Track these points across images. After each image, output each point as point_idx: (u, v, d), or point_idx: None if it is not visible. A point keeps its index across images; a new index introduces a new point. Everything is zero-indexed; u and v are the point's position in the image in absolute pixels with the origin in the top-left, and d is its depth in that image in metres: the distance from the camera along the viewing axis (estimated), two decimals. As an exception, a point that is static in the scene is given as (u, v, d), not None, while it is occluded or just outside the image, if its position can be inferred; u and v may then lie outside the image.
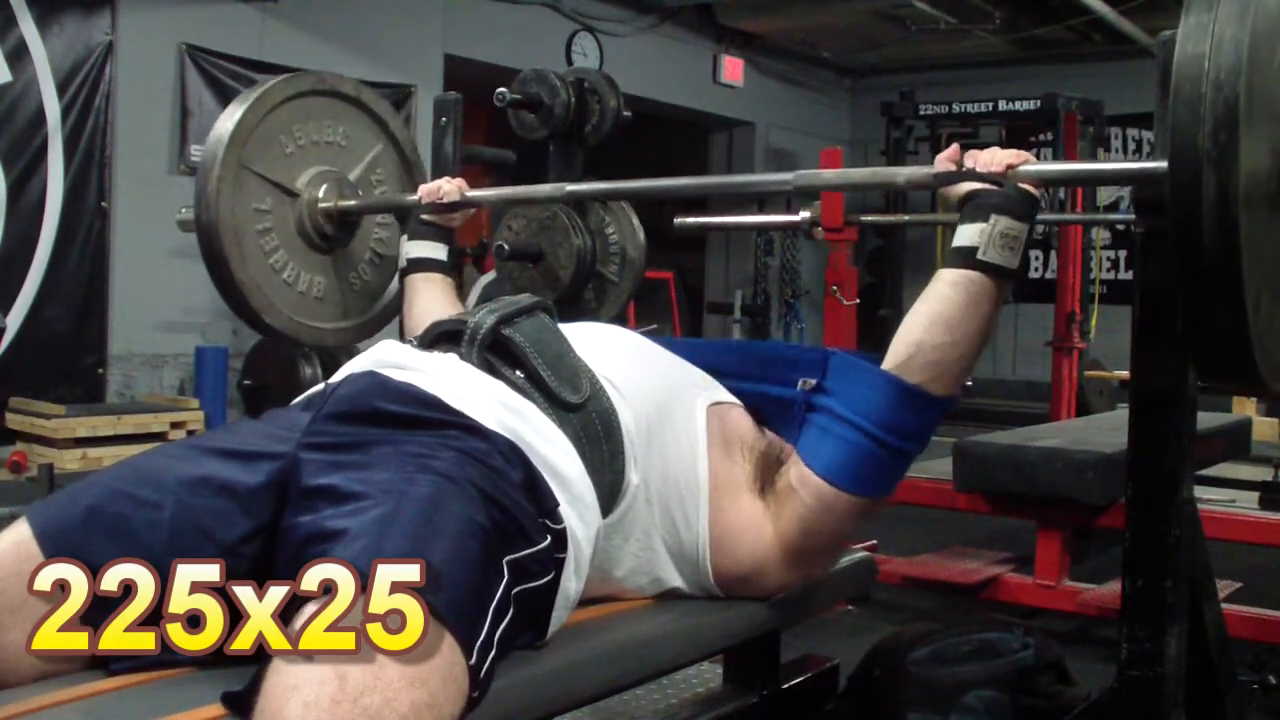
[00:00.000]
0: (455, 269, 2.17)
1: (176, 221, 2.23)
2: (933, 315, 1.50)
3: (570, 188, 2.15)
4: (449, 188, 2.12)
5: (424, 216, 2.12)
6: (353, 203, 2.33)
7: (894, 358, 1.50)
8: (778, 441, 1.60)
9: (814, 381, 1.56)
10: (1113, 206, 9.13)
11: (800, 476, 1.51)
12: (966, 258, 1.49)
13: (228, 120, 2.21)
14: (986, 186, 1.53)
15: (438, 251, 2.12)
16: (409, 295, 2.11)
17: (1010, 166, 1.53)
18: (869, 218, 4.33)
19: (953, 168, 1.58)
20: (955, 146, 1.60)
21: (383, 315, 2.50)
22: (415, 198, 2.15)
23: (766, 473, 1.57)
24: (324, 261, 2.36)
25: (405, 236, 2.15)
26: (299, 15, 6.82)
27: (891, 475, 1.56)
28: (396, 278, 2.19)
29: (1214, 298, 1.25)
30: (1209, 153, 1.21)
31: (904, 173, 1.70)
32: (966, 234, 1.50)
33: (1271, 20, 1.29)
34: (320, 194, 2.31)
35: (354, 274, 2.42)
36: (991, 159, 1.55)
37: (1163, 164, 1.30)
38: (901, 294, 9.00)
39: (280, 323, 2.26)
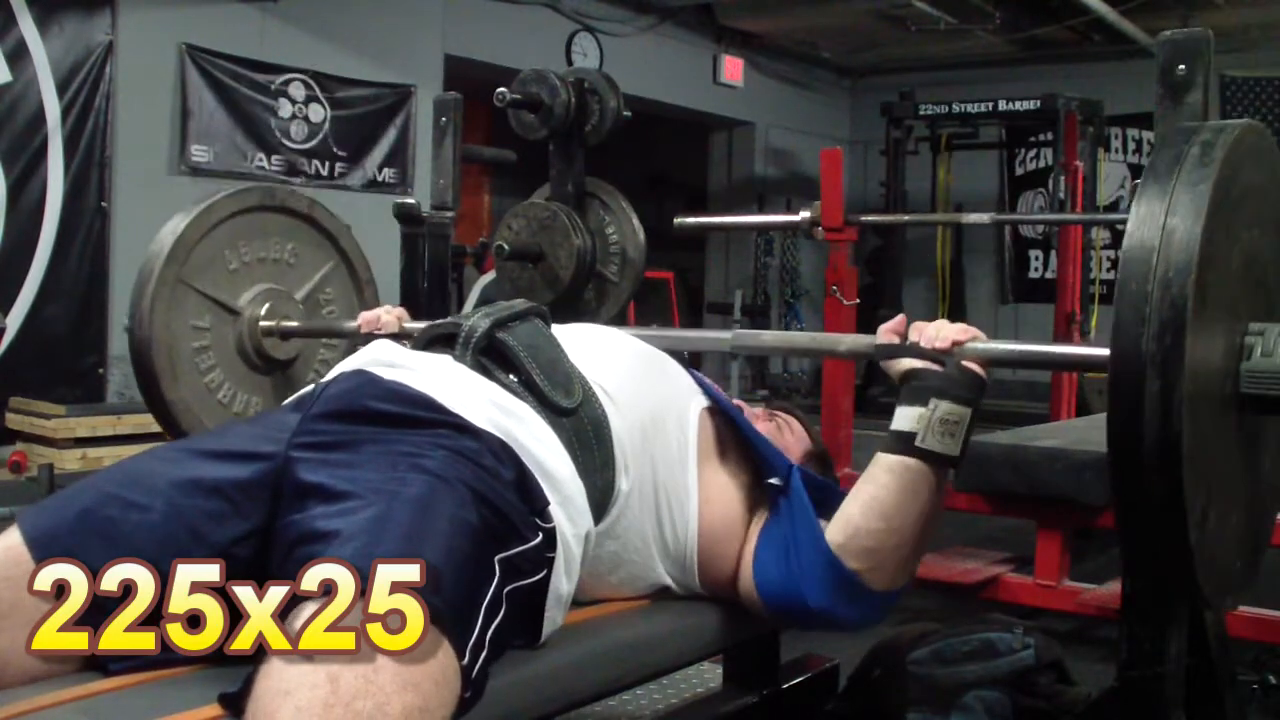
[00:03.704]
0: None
1: (124, 328, 2.15)
2: (868, 500, 1.44)
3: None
4: (388, 319, 2.04)
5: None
6: (294, 324, 2.26)
7: (835, 533, 1.45)
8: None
9: (780, 483, 1.52)
10: (1113, 206, 9.13)
11: (749, 558, 1.51)
12: (904, 444, 1.42)
13: (168, 234, 2.13)
14: (929, 365, 1.45)
15: None
16: None
17: (956, 344, 1.45)
18: (869, 218, 4.32)
19: (896, 339, 1.50)
20: (900, 318, 1.53)
21: None
22: (355, 325, 2.07)
23: (756, 488, 1.57)
24: (263, 382, 2.29)
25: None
26: (299, 15, 6.82)
27: (812, 626, 1.57)
28: None
29: (1154, 514, 1.16)
30: (1153, 355, 1.12)
31: (846, 340, 1.63)
32: (905, 418, 1.43)
33: (1231, 210, 1.20)
34: (263, 313, 2.23)
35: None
36: (937, 334, 1.47)
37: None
38: (901, 294, 9.01)
39: None
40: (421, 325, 2.07)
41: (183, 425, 2.14)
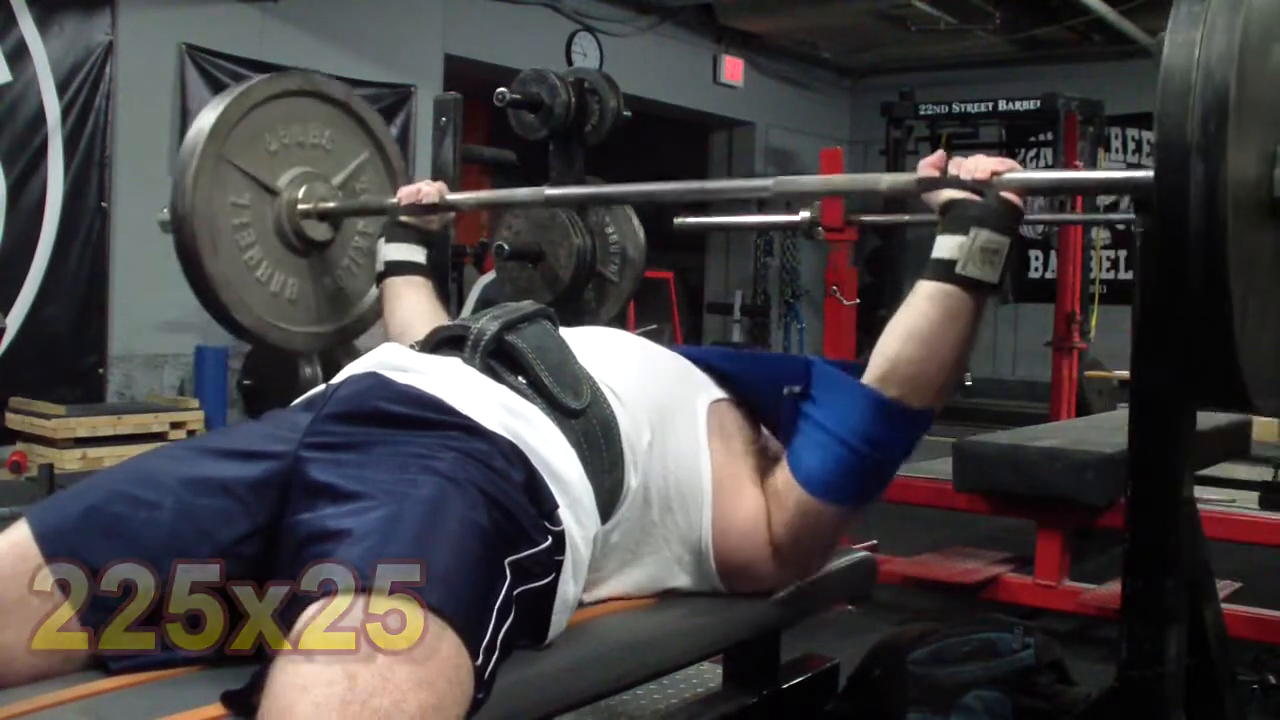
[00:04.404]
0: (437, 272, 2.15)
1: (158, 222, 2.18)
2: (909, 329, 1.47)
3: (549, 192, 2.12)
4: (428, 189, 2.10)
5: (402, 219, 2.09)
6: (332, 204, 2.29)
7: (873, 370, 1.48)
8: (775, 440, 1.62)
9: (799, 389, 1.54)
10: (1113, 206, 9.13)
11: (786, 481, 1.52)
12: (945, 270, 1.46)
13: (211, 112, 2.16)
14: (968, 196, 1.49)
15: (416, 254, 2.08)
16: (389, 299, 2.08)
17: (994, 174, 1.49)
18: (869, 218, 4.32)
19: (936, 174, 1.54)
20: (940, 153, 1.56)
21: (356, 324, 2.44)
22: (394, 200, 2.12)
23: (766, 466, 1.58)
24: (300, 264, 2.31)
25: (382, 239, 2.12)
26: (299, 15, 6.82)
27: (870, 485, 1.55)
28: (375, 283, 2.16)
29: (1199, 296, 1.20)
30: (1198, 142, 1.16)
31: (886, 179, 1.67)
32: (945, 246, 1.47)
33: (1266, 17, 1.25)
34: (300, 195, 2.26)
35: (330, 278, 2.37)
36: (975, 167, 1.50)
37: (1151, 172, 1.26)
38: (901, 294, 8.97)
39: (249, 321, 2.20)
40: (469, 195, 2.16)
41: (223, 299, 2.16)
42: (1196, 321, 1.23)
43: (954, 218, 1.49)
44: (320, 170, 2.33)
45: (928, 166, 1.55)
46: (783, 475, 1.53)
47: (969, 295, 1.46)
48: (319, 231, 2.30)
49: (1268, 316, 1.33)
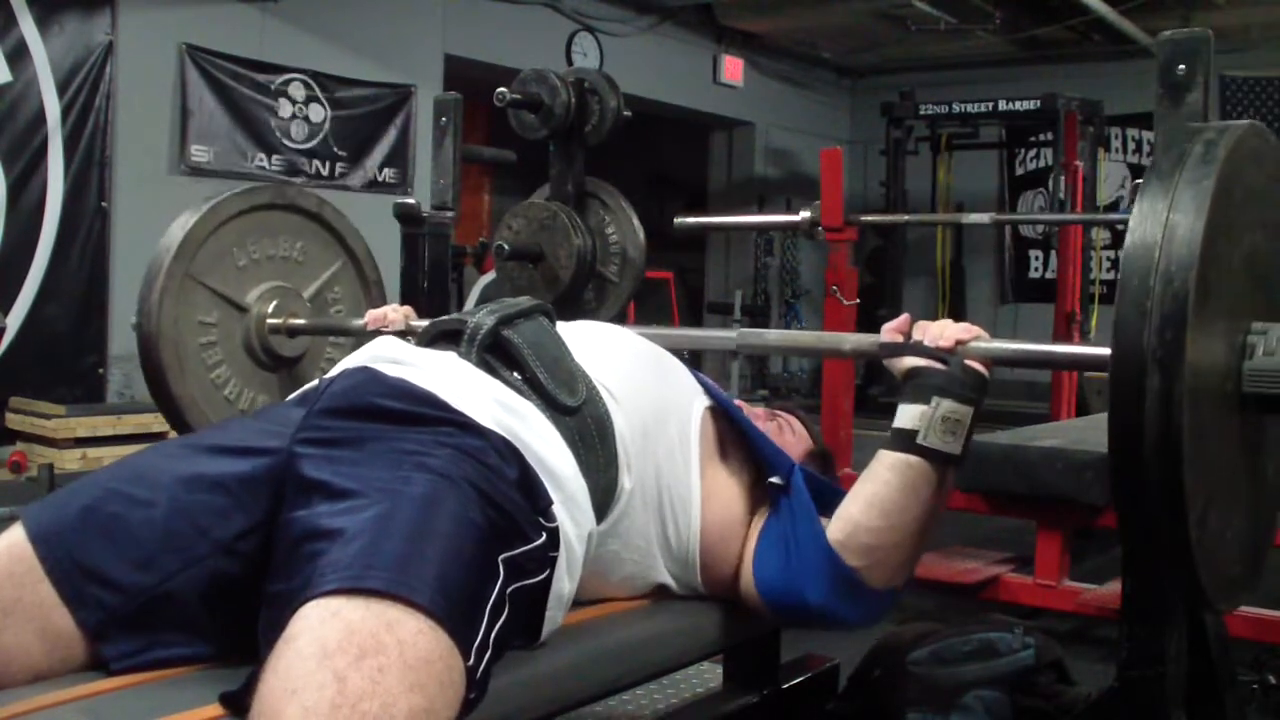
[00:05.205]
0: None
1: (131, 326, 2.15)
2: (869, 497, 1.44)
3: None
4: (395, 316, 2.05)
5: None
6: (301, 321, 2.27)
7: (835, 530, 1.46)
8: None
9: (780, 483, 1.53)
10: (1113, 206, 9.13)
11: (749, 557, 1.52)
12: (905, 441, 1.43)
13: (178, 230, 2.14)
14: (932, 364, 1.46)
15: None
16: None
17: (959, 342, 1.46)
18: (869, 218, 4.32)
19: (900, 338, 1.51)
20: (905, 317, 1.54)
21: None
22: (361, 323, 2.09)
23: (754, 493, 1.57)
24: (269, 379, 2.29)
25: None
26: (299, 15, 6.81)
27: (818, 626, 1.56)
28: None
29: (1155, 512, 1.16)
30: (1154, 351, 1.11)
31: (850, 339, 1.66)
32: (907, 415, 1.44)
33: (1233, 209, 1.20)
34: (270, 310, 2.24)
35: None
36: (940, 333, 1.48)
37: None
38: (901, 294, 9.01)
39: None
40: (426, 324, 2.08)
41: (189, 420, 2.14)
42: (1157, 536, 1.19)
43: (916, 386, 1.45)
44: (291, 283, 2.30)
45: (891, 331, 1.52)
46: (751, 548, 1.53)
47: (930, 467, 1.43)
48: (289, 347, 2.28)
49: (1232, 517, 1.30)
